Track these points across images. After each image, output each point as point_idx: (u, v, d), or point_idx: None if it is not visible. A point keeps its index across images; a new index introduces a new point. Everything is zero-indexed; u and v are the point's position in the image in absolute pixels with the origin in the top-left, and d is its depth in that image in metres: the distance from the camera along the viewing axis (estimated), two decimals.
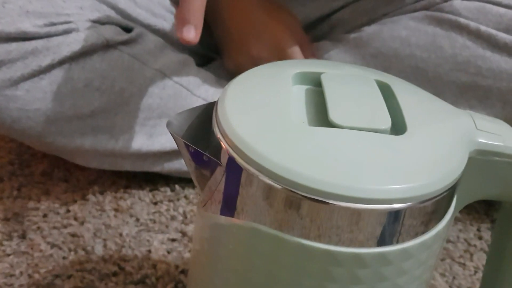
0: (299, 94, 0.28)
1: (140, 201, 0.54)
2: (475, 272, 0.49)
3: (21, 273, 0.44)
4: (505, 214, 0.32)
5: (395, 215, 0.23)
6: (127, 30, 0.51)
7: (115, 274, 0.45)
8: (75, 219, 0.50)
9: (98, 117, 0.47)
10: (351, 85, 0.28)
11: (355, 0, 0.57)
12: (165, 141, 0.51)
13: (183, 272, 0.46)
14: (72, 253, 0.46)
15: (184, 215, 0.52)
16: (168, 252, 0.48)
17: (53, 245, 0.47)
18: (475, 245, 0.53)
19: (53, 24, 0.45)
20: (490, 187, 0.28)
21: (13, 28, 0.43)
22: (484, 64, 0.48)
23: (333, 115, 0.24)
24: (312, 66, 0.30)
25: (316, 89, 0.28)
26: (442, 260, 0.50)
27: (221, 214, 0.26)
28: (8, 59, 0.43)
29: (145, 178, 0.56)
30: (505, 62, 0.47)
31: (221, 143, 0.24)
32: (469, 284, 0.48)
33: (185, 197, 0.55)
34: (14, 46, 0.43)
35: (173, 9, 0.57)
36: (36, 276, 0.44)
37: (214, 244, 0.27)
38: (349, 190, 0.22)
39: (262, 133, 0.24)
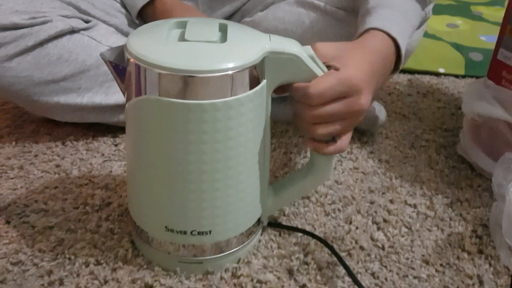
0: (175, 31, 0.48)
1: (104, 144, 0.74)
2: (342, 171, 0.70)
3: (21, 187, 0.64)
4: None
5: (230, 77, 0.42)
6: (87, 22, 0.71)
7: (86, 184, 0.65)
8: (58, 155, 0.70)
9: (68, 80, 0.68)
10: (202, 25, 0.48)
11: None
12: (118, 97, 0.71)
13: None
14: (56, 175, 0.67)
15: None
16: (124, 171, 0.68)
17: (42, 171, 0.67)
18: (346, 158, 0.74)
19: (35, 18, 0.65)
20: (284, 74, 0.47)
21: (7, 21, 0.63)
22: (331, 31, 0.70)
23: (187, 36, 0.45)
24: (187, 19, 0.50)
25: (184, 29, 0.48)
26: None
27: (135, 96, 0.46)
28: (5, 42, 0.64)
29: (107, 129, 0.76)
30: (344, 29, 0.69)
31: (127, 54, 0.45)
32: (334, 181, 0.69)
33: None
34: (8, 33, 0.64)
35: (122, 10, 0.78)
36: (31, 188, 0.64)
37: (134, 123, 0.47)
38: (203, 67, 0.42)
39: (149, 47, 0.44)
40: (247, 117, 0.46)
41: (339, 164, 0.72)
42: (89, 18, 0.72)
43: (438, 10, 1.28)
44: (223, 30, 0.48)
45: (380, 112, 0.77)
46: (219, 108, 0.44)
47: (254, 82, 0.45)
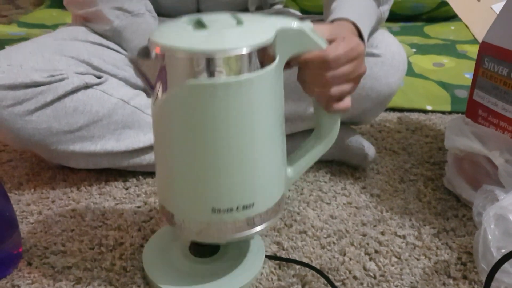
0: (192, 24, 0.52)
1: (115, 188, 0.80)
2: (336, 206, 0.76)
3: (41, 231, 0.69)
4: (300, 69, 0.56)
5: (248, 56, 0.46)
6: (99, 78, 0.79)
7: (100, 226, 0.71)
8: (73, 200, 0.76)
9: (83, 130, 0.74)
10: (217, 17, 0.53)
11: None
12: (128, 143, 0.78)
13: (145, 221, 0.72)
14: (73, 219, 0.72)
15: (146, 193, 0.79)
16: (135, 213, 0.74)
17: (60, 215, 0.73)
18: (340, 193, 0.79)
19: (53, 76, 0.72)
20: (292, 48, 0.52)
21: (29, 80, 0.71)
22: None
23: (206, 22, 0.50)
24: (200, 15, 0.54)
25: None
26: (315, 202, 0.77)
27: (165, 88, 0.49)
28: (26, 98, 0.71)
29: (118, 173, 0.82)
30: None
31: (152, 46, 0.49)
32: (328, 215, 0.74)
33: (146, 183, 0.81)
34: (29, 90, 0.71)
35: (130, 64, 0.85)
36: (50, 231, 0.69)
37: (175, 111, 0.48)
38: (223, 46, 0.46)
39: (173, 38, 0.48)
40: (270, 90, 0.51)
41: (333, 200, 0.77)
42: (101, 73, 0.79)
43: (425, 50, 1.36)
44: (237, 17, 0.53)
45: (369, 149, 0.83)
46: (251, 82, 0.48)
47: (272, 58, 0.50)
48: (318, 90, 0.56)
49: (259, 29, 0.51)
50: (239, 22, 0.51)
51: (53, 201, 0.76)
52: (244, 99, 0.49)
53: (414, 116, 1.08)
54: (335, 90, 0.56)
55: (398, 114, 1.08)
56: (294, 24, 0.52)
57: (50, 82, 0.72)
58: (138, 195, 0.78)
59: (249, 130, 0.50)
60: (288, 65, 0.54)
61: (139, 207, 0.75)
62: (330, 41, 0.55)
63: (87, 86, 0.75)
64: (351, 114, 0.82)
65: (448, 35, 1.55)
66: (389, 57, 0.78)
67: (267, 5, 0.96)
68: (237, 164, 0.51)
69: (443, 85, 1.15)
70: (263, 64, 0.49)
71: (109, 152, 0.77)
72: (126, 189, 0.80)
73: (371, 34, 0.78)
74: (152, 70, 0.50)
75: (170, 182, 0.54)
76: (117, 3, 0.81)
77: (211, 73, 0.47)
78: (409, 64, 1.25)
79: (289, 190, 0.80)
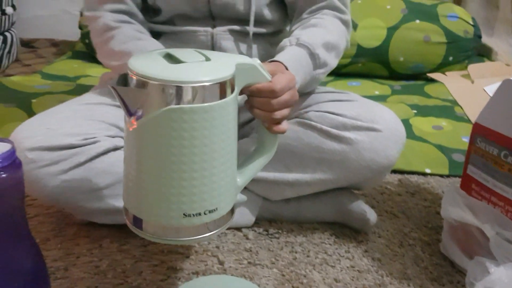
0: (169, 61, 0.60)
1: (134, 246, 0.86)
2: (340, 270, 0.82)
3: (67, 287, 0.75)
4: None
5: (222, 84, 0.56)
6: None
7: (122, 284, 0.76)
8: (96, 257, 0.83)
9: (109, 189, 0.81)
10: (187, 54, 0.61)
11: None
12: None
13: (162, 280, 0.77)
14: (96, 276, 0.78)
15: (163, 251, 0.85)
16: (153, 272, 0.80)
17: (84, 272, 0.79)
18: (344, 256, 0.85)
19: (86, 139, 0.80)
20: (245, 80, 0.62)
21: (65, 142, 0.78)
22: (325, 146, 0.84)
23: (181, 58, 0.59)
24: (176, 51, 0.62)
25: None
26: (321, 264, 0.83)
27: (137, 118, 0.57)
28: (62, 159, 0.78)
29: None
30: (336, 145, 0.84)
31: (130, 74, 0.56)
32: (333, 279, 0.80)
33: None
34: (65, 152, 0.78)
35: None
36: None
37: (148, 135, 0.57)
38: (193, 78, 0.55)
39: (149, 67, 0.57)
40: (230, 115, 0.60)
41: (338, 263, 0.83)
42: None
43: (425, 111, 1.44)
44: (204, 54, 0.63)
45: (371, 215, 0.90)
46: (216, 108, 0.57)
47: (232, 88, 0.60)
48: (263, 114, 0.68)
49: (224, 64, 0.60)
50: (207, 59, 0.61)
51: (77, 257, 0.82)
52: (208, 123, 0.57)
53: (414, 178, 1.15)
54: (278, 114, 0.68)
55: (399, 176, 1.15)
56: (247, 60, 0.63)
57: (83, 145, 0.79)
58: (155, 253, 0.84)
59: (210, 148, 0.58)
60: (240, 93, 0.65)
61: (156, 265, 0.81)
62: (272, 75, 0.67)
63: (116, 148, 0.83)
64: (353, 182, 0.89)
65: (447, 95, 1.64)
66: (389, 132, 0.85)
67: None
68: (200, 174, 0.58)
69: (441, 148, 1.22)
70: (225, 94, 0.58)
71: None
72: (145, 246, 0.86)
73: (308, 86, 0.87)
74: (129, 96, 0.56)
75: (142, 192, 0.60)
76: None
77: (181, 101, 0.55)
78: (409, 126, 1.32)
79: (295, 252, 0.86)
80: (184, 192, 0.58)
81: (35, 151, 0.77)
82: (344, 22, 0.91)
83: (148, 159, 0.58)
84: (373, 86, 1.73)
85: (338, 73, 1.79)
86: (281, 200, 0.93)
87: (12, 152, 0.60)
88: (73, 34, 2.04)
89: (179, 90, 0.55)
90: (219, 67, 0.60)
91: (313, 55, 0.82)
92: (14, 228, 0.63)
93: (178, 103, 0.55)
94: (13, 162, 0.60)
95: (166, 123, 0.56)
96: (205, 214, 0.60)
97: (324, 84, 1.67)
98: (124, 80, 0.61)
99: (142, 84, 0.56)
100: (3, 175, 0.59)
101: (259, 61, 0.65)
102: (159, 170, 0.58)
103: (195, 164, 0.58)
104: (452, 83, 1.72)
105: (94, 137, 0.80)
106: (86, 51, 1.86)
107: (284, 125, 0.70)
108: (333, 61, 0.87)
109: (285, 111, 0.69)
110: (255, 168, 0.70)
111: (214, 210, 0.61)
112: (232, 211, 0.65)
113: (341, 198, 0.92)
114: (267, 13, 0.92)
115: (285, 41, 0.84)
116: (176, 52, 0.61)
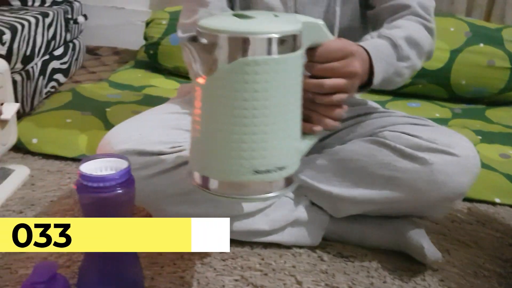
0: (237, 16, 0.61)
1: (214, 259, 0.89)
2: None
3: None
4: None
5: (278, 40, 0.57)
6: None
7: None
8: (179, 268, 0.86)
9: (190, 195, 0.84)
10: (255, 12, 0.62)
11: (335, 132, 0.96)
12: (225, 210, 0.86)
13: None
14: (181, 287, 0.82)
15: (242, 267, 0.87)
16: (235, 286, 0.82)
17: (169, 282, 0.82)
18: (420, 285, 0.86)
19: (174, 147, 0.83)
20: (310, 38, 0.64)
21: (156, 149, 0.82)
22: (398, 164, 0.85)
23: (250, 14, 0.60)
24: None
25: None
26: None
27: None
28: (150, 164, 0.81)
29: None
30: (408, 163, 0.84)
31: (201, 31, 0.58)
32: None
33: (241, 257, 0.90)
34: (155, 157, 0.82)
35: None
36: None
37: (228, 87, 0.57)
38: (264, 30, 0.57)
39: (220, 23, 0.58)
40: (299, 69, 0.62)
41: None
42: None
43: (491, 138, 1.43)
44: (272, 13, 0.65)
45: (429, 250, 0.87)
46: (288, 61, 0.59)
47: (297, 45, 0.61)
48: (314, 83, 0.69)
49: (292, 20, 0.62)
50: (276, 16, 0.63)
51: (162, 267, 0.86)
52: (280, 75, 0.58)
53: (483, 207, 1.14)
54: (329, 82, 0.69)
55: (468, 204, 1.14)
56: (312, 19, 0.65)
57: (171, 152, 0.83)
58: (234, 268, 0.87)
59: (282, 101, 0.59)
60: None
61: (237, 280, 0.84)
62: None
63: None
64: (420, 205, 0.88)
65: (510, 121, 1.62)
66: (465, 159, 0.85)
67: None
68: (272, 128, 0.59)
69: (510, 178, 1.21)
70: (294, 48, 0.60)
71: (209, 214, 0.85)
72: (224, 260, 0.89)
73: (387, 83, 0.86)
74: (202, 52, 0.57)
75: (213, 150, 0.60)
76: None
77: (254, 52, 0.56)
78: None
79: (372, 277, 0.87)
80: (255, 147, 0.59)
81: (128, 155, 0.81)
82: (428, 29, 0.90)
83: (221, 115, 0.59)
84: (433, 108, 1.72)
85: (397, 93, 1.79)
86: (346, 223, 0.95)
87: (128, 169, 0.64)
88: (134, 43, 2.12)
89: (252, 41, 0.56)
90: (288, 22, 0.62)
91: (395, 46, 0.82)
92: None
93: (251, 55, 0.56)
94: (128, 178, 0.64)
95: (239, 75, 0.57)
96: (274, 171, 0.60)
97: (383, 104, 1.67)
98: (195, 39, 0.60)
99: (214, 38, 0.57)
100: (119, 191, 0.63)
101: (322, 22, 0.67)
102: (232, 126, 0.58)
103: (267, 118, 0.58)
104: None
105: (181, 146, 0.84)
106: (149, 61, 1.93)
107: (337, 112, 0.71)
108: (416, 58, 0.86)
109: (335, 81, 0.69)
110: (313, 139, 0.71)
111: (283, 168, 0.61)
112: (294, 177, 0.64)
113: (402, 229, 0.92)
114: (351, 27, 0.94)
115: (366, 36, 0.85)
116: (245, 12, 0.63)
